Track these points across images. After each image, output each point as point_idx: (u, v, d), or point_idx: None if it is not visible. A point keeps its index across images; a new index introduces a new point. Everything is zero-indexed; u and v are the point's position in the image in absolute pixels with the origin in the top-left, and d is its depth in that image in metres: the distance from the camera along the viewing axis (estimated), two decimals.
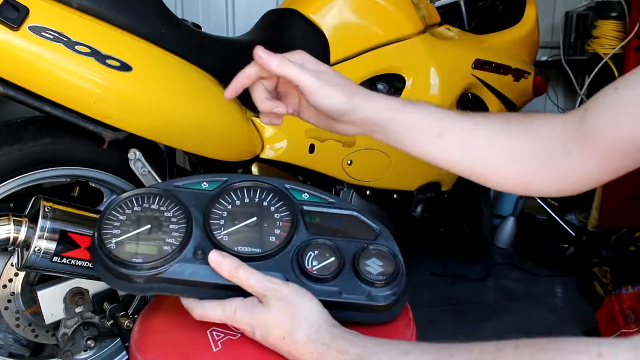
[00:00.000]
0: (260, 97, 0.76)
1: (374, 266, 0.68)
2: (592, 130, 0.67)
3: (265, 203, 0.71)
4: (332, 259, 0.68)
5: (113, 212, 0.68)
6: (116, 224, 0.67)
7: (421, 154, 0.74)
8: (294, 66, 0.71)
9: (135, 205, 0.69)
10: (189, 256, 0.65)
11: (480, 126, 0.72)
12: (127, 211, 0.68)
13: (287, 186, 0.74)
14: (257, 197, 0.72)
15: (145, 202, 0.69)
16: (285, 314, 0.60)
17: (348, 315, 0.66)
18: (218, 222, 0.68)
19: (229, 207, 0.70)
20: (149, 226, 0.67)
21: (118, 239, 0.65)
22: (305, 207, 0.72)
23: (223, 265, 0.63)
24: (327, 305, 0.63)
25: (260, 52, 0.72)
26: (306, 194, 0.74)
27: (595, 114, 0.68)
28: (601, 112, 0.67)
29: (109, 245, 0.65)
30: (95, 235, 0.66)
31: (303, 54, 0.75)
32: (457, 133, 0.72)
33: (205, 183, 0.72)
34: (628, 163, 0.67)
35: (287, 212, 0.71)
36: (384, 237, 0.72)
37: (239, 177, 0.73)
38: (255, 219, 0.69)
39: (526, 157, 0.71)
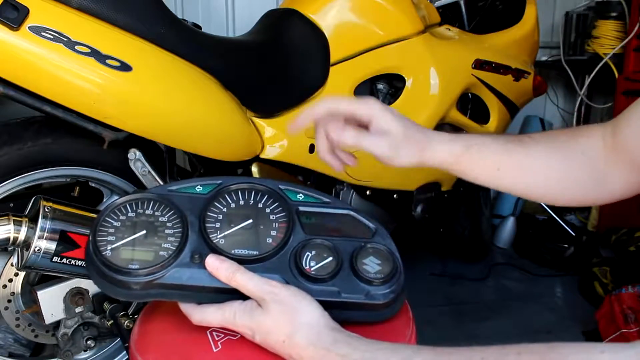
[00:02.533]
0: (323, 149, 0.79)
1: (371, 265, 0.68)
2: (626, 145, 0.71)
3: (260, 205, 0.71)
4: (330, 258, 0.67)
5: (107, 218, 0.67)
6: (111, 230, 0.66)
7: (483, 183, 0.79)
8: (367, 138, 0.75)
9: (130, 211, 0.68)
10: (186, 261, 0.65)
11: (534, 154, 0.77)
12: (121, 217, 0.67)
13: (282, 187, 0.73)
14: (252, 199, 0.72)
15: (140, 207, 0.68)
16: (285, 318, 0.60)
17: (347, 314, 0.66)
18: (214, 225, 0.68)
19: (224, 210, 0.70)
20: (144, 232, 0.66)
21: (113, 246, 0.65)
22: (301, 208, 0.72)
23: (220, 269, 0.63)
24: (327, 305, 0.63)
25: (334, 132, 0.75)
26: (301, 195, 0.73)
27: (627, 129, 0.71)
28: (631, 127, 0.70)
29: (104, 252, 0.64)
30: (90, 241, 0.65)
31: (373, 107, 0.75)
32: (513, 164, 0.77)
33: (199, 187, 0.72)
34: None
35: (283, 214, 0.70)
36: (380, 235, 0.72)
37: (233, 180, 0.73)
38: (251, 221, 0.69)
39: (577, 176, 0.76)
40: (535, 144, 0.78)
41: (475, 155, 0.76)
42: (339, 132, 0.75)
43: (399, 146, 0.75)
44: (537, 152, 0.77)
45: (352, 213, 0.74)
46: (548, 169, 0.76)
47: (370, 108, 0.75)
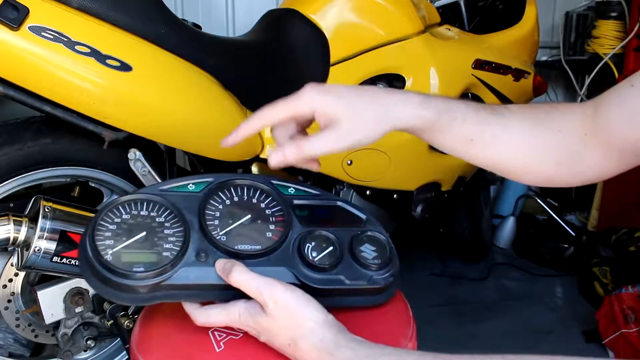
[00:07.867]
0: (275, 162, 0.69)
1: (368, 251, 0.71)
2: (606, 128, 0.68)
3: (254, 200, 0.72)
4: (331, 248, 0.69)
5: (102, 222, 0.65)
6: (107, 234, 0.64)
7: (452, 153, 0.74)
8: (315, 143, 0.66)
9: (124, 213, 0.67)
10: (192, 260, 0.64)
11: (510, 127, 0.72)
12: (116, 220, 0.66)
13: (274, 182, 0.75)
14: (245, 195, 0.73)
15: (134, 209, 0.68)
16: (289, 323, 0.60)
17: (350, 300, 0.68)
18: (213, 223, 0.68)
19: (221, 207, 0.70)
20: (144, 233, 0.65)
21: (114, 250, 0.63)
22: (295, 201, 0.74)
23: (223, 272, 0.64)
24: (332, 293, 0.65)
25: (273, 158, 0.68)
26: (292, 189, 0.75)
27: (608, 112, 0.68)
28: (614, 110, 0.67)
29: (105, 257, 0.62)
30: (88, 247, 0.63)
31: (310, 99, 0.67)
32: (488, 136, 0.72)
33: (191, 185, 0.72)
34: None
35: (279, 208, 0.72)
36: (370, 223, 0.75)
37: (224, 177, 0.73)
38: (249, 216, 0.70)
39: (550, 154, 0.72)
40: (512, 116, 0.73)
41: (447, 123, 0.70)
42: (288, 154, 0.66)
43: (353, 129, 0.66)
44: (514, 126, 0.72)
45: (341, 204, 0.76)
46: (524, 144, 0.72)
47: (308, 102, 0.67)
